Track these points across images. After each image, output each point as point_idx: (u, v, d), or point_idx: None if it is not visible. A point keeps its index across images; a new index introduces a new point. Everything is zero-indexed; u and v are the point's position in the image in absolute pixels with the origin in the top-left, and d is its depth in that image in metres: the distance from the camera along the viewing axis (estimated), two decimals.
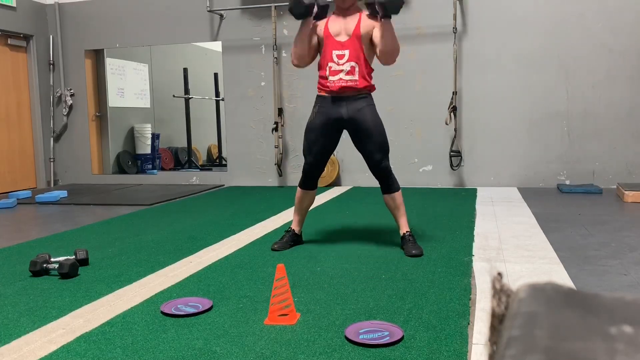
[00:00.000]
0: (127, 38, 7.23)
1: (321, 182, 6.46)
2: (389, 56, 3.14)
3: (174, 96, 9.21)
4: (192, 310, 2.31)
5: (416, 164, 6.32)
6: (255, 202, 5.43)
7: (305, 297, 2.49)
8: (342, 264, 3.02)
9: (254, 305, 2.39)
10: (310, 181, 3.37)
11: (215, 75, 9.42)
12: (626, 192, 4.89)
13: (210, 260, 3.18)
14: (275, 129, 6.47)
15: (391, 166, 6.29)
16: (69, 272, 2.86)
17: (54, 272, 2.98)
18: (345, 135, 6.48)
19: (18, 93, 7.18)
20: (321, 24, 3.24)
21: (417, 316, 2.21)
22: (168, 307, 2.35)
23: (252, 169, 6.86)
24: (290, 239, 3.45)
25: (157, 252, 3.44)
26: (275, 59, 6.52)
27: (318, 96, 3.27)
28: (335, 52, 3.17)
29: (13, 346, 2.02)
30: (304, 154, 3.35)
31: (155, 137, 8.59)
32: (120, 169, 8.06)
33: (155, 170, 8.17)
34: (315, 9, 3.18)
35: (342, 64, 3.16)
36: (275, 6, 6.44)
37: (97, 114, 7.72)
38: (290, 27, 6.58)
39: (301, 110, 6.61)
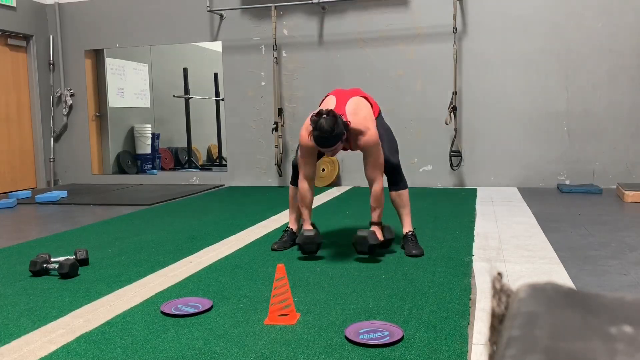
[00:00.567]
0: (127, 38, 7.23)
1: (321, 182, 6.46)
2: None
3: (174, 96, 9.21)
4: (192, 310, 2.31)
5: (416, 164, 6.32)
6: (255, 202, 5.43)
7: (305, 297, 2.49)
8: (342, 264, 3.02)
9: (254, 305, 2.39)
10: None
11: (215, 75, 9.42)
12: (626, 192, 4.89)
13: (210, 260, 3.18)
14: (275, 129, 6.47)
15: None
16: (69, 272, 2.86)
17: (54, 272, 2.98)
18: None
19: (18, 93, 7.18)
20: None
21: (417, 316, 2.21)
22: (168, 307, 2.35)
23: (252, 169, 6.86)
24: (289, 238, 3.46)
25: (157, 252, 3.44)
26: (275, 59, 6.52)
27: None
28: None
29: (13, 346, 2.02)
30: (297, 149, 3.35)
31: (155, 137, 8.59)
32: (120, 169, 8.06)
33: (155, 170, 8.17)
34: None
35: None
36: (275, 6, 6.44)
37: (97, 114, 7.72)
38: (290, 27, 6.58)
39: (301, 110, 6.61)
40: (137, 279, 2.85)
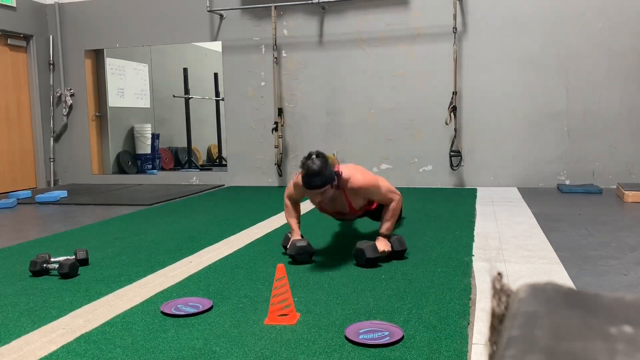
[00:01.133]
0: (127, 38, 7.23)
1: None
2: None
3: (174, 96, 9.21)
4: (192, 310, 2.31)
5: (416, 164, 6.32)
6: (255, 202, 5.43)
7: (305, 297, 2.49)
8: (342, 264, 3.02)
9: (254, 305, 2.39)
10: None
11: (215, 75, 9.41)
12: (626, 192, 4.89)
13: (210, 260, 3.18)
14: (275, 129, 6.47)
15: (391, 166, 6.31)
16: (69, 272, 2.86)
17: (54, 272, 2.98)
18: (344, 134, 6.48)
19: (18, 93, 7.18)
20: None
21: (417, 316, 2.21)
22: (168, 307, 2.35)
23: (252, 169, 6.86)
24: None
25: (157, 252, 3.44)
26: (275, 59, 6.52)
27: None
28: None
29: (13, 346, 2.02)
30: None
31: (155, 137, 8.59)
32: (120, 169, 8.06)
33: (155, 170, 8.17)
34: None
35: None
36: (275, 6, 6.44)
37: (97, 114, 7.72)
38: (290, 27, 6.58)
39: (301, 110, 6.61)
40: (137, 279, 2.85)
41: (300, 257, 3.04)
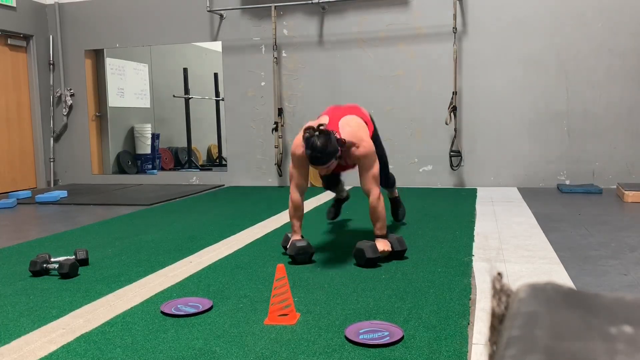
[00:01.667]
0: (127, 38, 7.23)
1: (321, 183, 6.45)
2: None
3: (174, 96, 9.21)
4: (192, 310, 2.31)
5: (416, 164, 6.32)
6: (255, 202, 5.43)
7: (305, 297, 2.49)
8: (342, 264, 3.02)
9: (254, 305, 2.39)
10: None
11: (215, 75, 9.41)
12: (626, 192, 4.89)
13: (210, 260, 3.18)
14: (275, 129, 6.47)
15: (391, 166, 6.31)
16: (69, 272, 2.86)
17: (54, 272, 2.98)
18: None
19: (18, 93, 7.18)
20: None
21: (417, 316, 2.21)
22: (168, 307, 2.35)
23: (252, 169, 6.86)
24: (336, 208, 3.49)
25: (157, 252, 3.44)
26: (275, 59, 6.52)
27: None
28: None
29: (13, 346, 2.02)
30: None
31: (155, 137, 8.59)
32: (120, 169, 8.06)
33: (155, 170, 8.17)
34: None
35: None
36: (275, 6, 6.44)
37: (97, 114, 7.72)
38: (290, 27, 6.58)
39: (301, 110, 6.61)
40: (137, 279, 2.85)
41: (300, 257, 3.04)
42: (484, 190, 5.79)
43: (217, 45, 7.97)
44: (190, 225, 4.31)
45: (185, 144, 9.33)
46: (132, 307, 2.40)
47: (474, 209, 4.64)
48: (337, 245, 3.46)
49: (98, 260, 3.25)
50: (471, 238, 3.57)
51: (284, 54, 6.63)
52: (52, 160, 7.53)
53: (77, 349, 1.97)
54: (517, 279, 2.66)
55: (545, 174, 6.00)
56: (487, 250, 3.25)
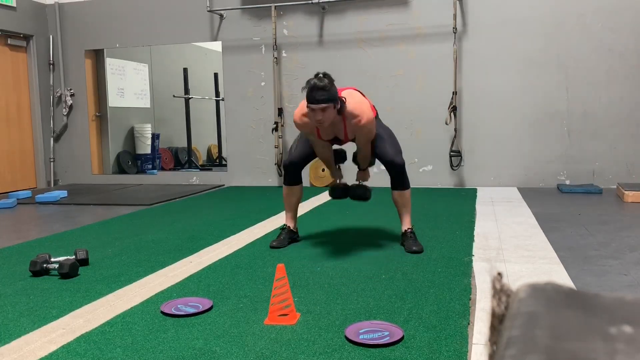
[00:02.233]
0: (127, 38, 7.23)
1: (321, 182, 6.46)
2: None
3: (174, 96, 9.21)
4: (192, 310, 2.31)
5: (416, 164, 6.32)
6: (255, 202, 5.43)
7: (305, 297, 2.49)
8: (342, 264, 3.02)
9: (254, 305, 2.39)
10: (290, 177, 3.41)
11: (215, 75, 9.41)
12: (626, 192, 4.89)
13: (210, 260, 3.18)
14: (275, 129, 6.47)
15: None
16: (69, 272, 2.86)
17: (54, 272, 2.98)
18: None
19: (18, 93, 7.18)
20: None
21: (417, 316, 2.21)
22: (168, 307, 2.35)
23: (252, 169, 6.86)
24: (287, 236, 3.47)
25: (157, 252, 3.44)
26: (275, 59, 6.52)
27: None
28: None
29: (13, 346, 2.02)
30: (290, 148, 3.38)
31: (155, 137, 8.59)
32: (120, 169, 8.06)
33: (155, 170, 8.17)
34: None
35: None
36: (275, 6, 6.44)
37: (97, 114, 7.72)
38: (290, 27, 6.58)
39: None
40: (137, 279, 2.85)
41: (335, 196, 3.48)
42: (484, 190, 5.79)
43: (217, 45, 7.97)
44: (190, 225, 4.31)
45: (185, 144, 9.33)
46: (132, 307, 2.40)
47: (474, 209, 4.64)
48: (337, 246, 3.46)
49: (98, 260, 3.25)
50: (471, 238, 3.57)
51: (284, 54, 6.63)
52: (52, 160, 7.53)
53: (77, 349, 1.97)
54: (517, 279, 2.66)
55: (545, 174, 6.00)
56: (487, 250, 3.25)
